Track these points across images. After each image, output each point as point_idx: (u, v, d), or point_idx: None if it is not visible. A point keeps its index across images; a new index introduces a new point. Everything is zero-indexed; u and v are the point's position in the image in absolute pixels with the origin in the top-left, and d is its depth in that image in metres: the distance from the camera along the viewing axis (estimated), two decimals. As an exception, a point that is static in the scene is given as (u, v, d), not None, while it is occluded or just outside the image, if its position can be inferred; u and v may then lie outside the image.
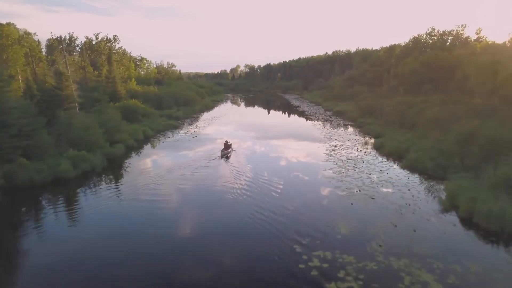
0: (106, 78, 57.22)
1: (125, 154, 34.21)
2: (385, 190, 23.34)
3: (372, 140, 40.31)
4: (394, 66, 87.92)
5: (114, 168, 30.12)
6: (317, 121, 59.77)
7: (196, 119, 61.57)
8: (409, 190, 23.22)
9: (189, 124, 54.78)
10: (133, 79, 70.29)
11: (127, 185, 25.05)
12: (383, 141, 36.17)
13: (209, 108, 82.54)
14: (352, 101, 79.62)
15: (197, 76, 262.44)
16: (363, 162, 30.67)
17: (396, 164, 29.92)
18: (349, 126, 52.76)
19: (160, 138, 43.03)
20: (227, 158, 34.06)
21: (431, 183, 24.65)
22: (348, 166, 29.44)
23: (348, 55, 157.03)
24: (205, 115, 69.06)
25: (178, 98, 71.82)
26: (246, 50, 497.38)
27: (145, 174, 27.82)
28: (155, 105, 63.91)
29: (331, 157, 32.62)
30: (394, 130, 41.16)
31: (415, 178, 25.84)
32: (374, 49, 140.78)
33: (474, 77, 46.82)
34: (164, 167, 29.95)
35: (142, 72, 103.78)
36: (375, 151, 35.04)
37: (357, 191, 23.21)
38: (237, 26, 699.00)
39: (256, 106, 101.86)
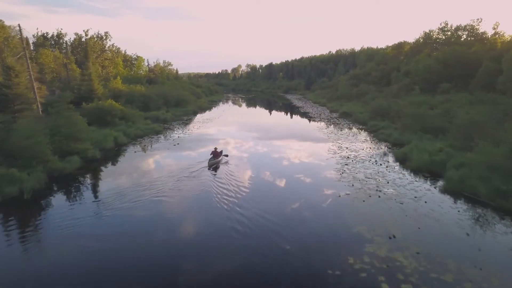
0: (82, 76, 49.39)
1: (80, 168, 26.29)
2: (432, 239, 14.99)
3: (392, 149, 32.42)
4: (404, 64, 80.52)
5: (54, 192, 22.14)
6: (322, 124, 51.80)
7: (186, 122, 53.79)
8: (468, 235, 15.22)
9: (176, 128, 47.02)
10: (118, 77, 62.47)
11: (51, 228, 16.96)
12: (407, 152, 28.28)
13: (204, 109, 74.69)
14: (359, 101, 72.15)
15: (198, 76, 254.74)
16: (388, 182, 22.75)
17: (433, 185, 22.02)
18: (359, 131, 44.80)
19: (137, 146, 35.25)
20: (216, 168, 27.33)
21: (493, 218, 16.73)
22: (369, 189, 21.51)
23: (352, 54, 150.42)
24: (198, 117, 61.28)
25: (169, 98, 64.02)
26: (248, 51, 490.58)
27: (90, 203, 19.87)
28: (142, 106, 56.42)
29: (344, 175, 24.73)
30: (417, 136, 33.30)
31: (467, 211, 17.89)
32: (379, 47, 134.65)
33: (507, 73, 38.94)
34: (124, 187, 22.21)
35: (140, 72, 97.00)
36: (398, 164, 27.21)
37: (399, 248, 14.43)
38: (239, 26, 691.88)
39: (254, 107, 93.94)
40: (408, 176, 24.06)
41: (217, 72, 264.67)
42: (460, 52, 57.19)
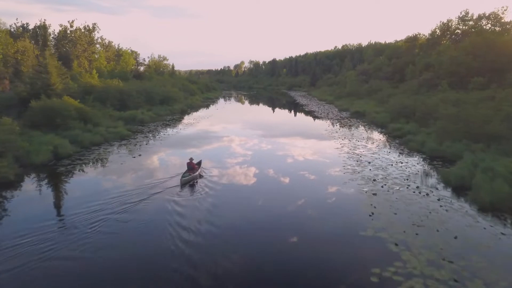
0: (38, 67, 39.80)
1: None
2: None
3: (434, 167, 22.79)
4: (421, 57, 70.67)
5: None
6: (331, 126, 42.03)
7: (167, 123, 44.29)
8: None
9: (151, 131, 37.56)
10: (94, 71, 52.92)
11: None
12: (465, 175, 18.55)
13: (195, 107, 65.09)
14: (370, 99, 62.52)
15: (199, 73, 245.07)
16: (455, 238, 13.04)
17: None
18: (379, 136, 35.08)
19: (84, 158, 25.79)
20: (193, 186, 20.05)
21: None
22: (431, 253, 11.76)
23: (359, 49, 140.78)
24: (185, 117, 51.63)
25: (153, 96, 54.35)
26: (252, 47, 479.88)
27: None
28: (118, 104, 46.92)
29: (379, 216, 14.98)
30: (463, 146, 23.80)
31: None
32: (387, 42, 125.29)
33: None
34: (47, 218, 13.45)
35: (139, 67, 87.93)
36: (453, 195, 17.64)
37: None
38: (243, 23, 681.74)
39: (253, 106, 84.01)
40: (480, 220, 14.51)
41: (219, 69, 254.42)
42: (491, 40, 47.36)
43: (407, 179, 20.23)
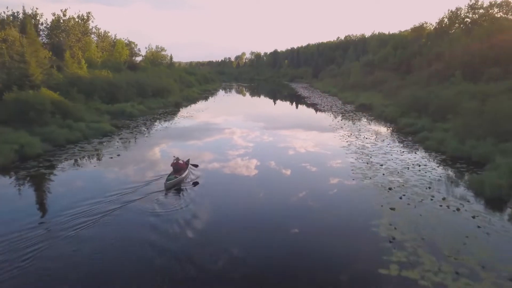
0: (15, 55, 36.24)
1: None
2: None
3: (460, 171, 19.31)
4: (428, 47, 66.77)
5: None
6: (336, 120, 38.50)
7: (158, 117, 40.85)
8: None
9: (138, 127, 34.07)
10: (83, 61, 49.33)
11: None
12: (504, 184, 15.04)
13: (191, 100, 61.44)
14: (376, 91, 58.87)
15: (200, 64, 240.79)
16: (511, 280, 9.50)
17: None
18: (389, 132, 31.58)
19: (56, 159, 22.36)
20: (180, 190, 17.07)
21: None
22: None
23: (362, 40, 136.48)
24: (179, 111, 48.03)
25: (145, 87, 50.81)
26: (253, 39, 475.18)
27: None
28: (107, 96, 43.52)
29: (403, 244, 11.58)
30: (489, 145, 20.34)
31: None
32: (391, 33, 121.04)
33: None
34: None
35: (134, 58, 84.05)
36: (495, 213, 14.24)
37: None
38: (244, 15, 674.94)
39: (253, 98, 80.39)
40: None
41: (220, 60, 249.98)
42: (508, 28, 43.67)
43: (430, 187, 16.76)
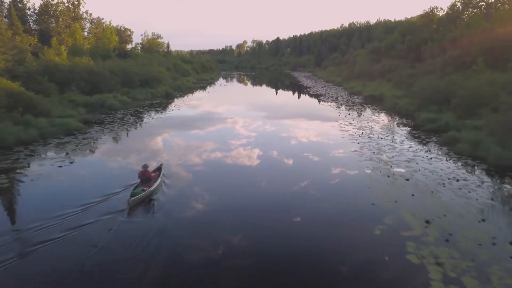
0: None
1: None
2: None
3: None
4: (440, 33, 61.19)
5: None
6: (343, 114, 33.34)
7: (140, 111, 35.58)
8: None
9: (112, 123, 28.98)
10: (63, 47, 44.09)
11: None
12: None
13: (183, 90, 56.15)
14: (384, 80, 53.69)
15: (200, 52, 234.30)
16: None
17: None
18: (409, 130, 26.37)
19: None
20: (151, 204, 13.52)
21: None
22: None
23: (367, 27, 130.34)
24: (167, 103, 42.86)
25: (132, 76, 45.66)
26: (255, 27, 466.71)
27: None
28: (88, 86, 38.54)
29: None
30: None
31: None
32: (397, 20, 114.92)
33: None
34: None
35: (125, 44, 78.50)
36: None
37: None
38: (248, 3, 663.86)
39: (251, 90, 74.97)
40: None
41: (221, 49, 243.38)
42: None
43: (483, 219, 11.74)
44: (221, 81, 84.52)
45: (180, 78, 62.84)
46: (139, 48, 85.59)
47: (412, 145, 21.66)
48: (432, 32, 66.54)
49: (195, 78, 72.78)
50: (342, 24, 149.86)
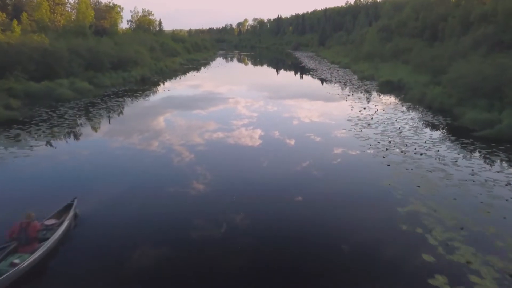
0: None
1: None
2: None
3: None
4: (462, 8, 52.28)
5: None
6: (356, 108, 25.16)
7: (96, 103, 27.37)
8: None
9: (46, 121, 21.20)
10: (15, 22, 35.79)
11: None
12: None
13: (166, 73, 47.66)
14: (398, 62, 45.48)
15: (200, 31, 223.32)
16: None
17: None
18: (459, 141, 18.10)
19: None
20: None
21: None
22: None
23: (374, 4, 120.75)
24: (138, 92, 34.65)
25: (101, 57, 37.34)
26: (257, 5, 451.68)
27: None
28: (41, 70, 30.59)
29: None
30: None
31: None
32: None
33: None
34: None
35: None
36: None
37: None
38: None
39: (250, 70, 66.19)
40: None
41: (221, 27, 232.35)
42: None
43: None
44: (217, 61, 75.73)
45: (165, 59, 54.22)
46: (128, 26, 76.65)
47: (474, 169, 13.63)
48: (451, 8, 57.58)
49: (184, 58, 64.14)
50: (347, 1, 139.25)
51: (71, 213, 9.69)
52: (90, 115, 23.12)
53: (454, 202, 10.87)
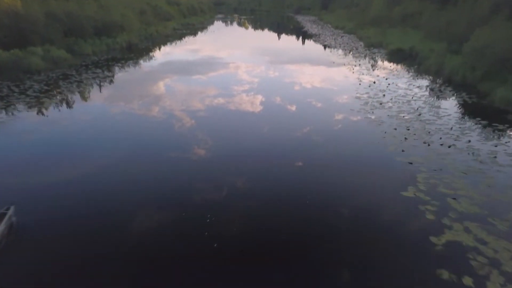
0: None
1: None
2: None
3: None
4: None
5: None
6: (366, 82, 21.88)
7: (70, 75, 23.87)
8: None
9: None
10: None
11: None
12: None
13: (156, 39, 43.73)
14: (408, 27, 41.65)
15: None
16: None
17: None
18: (490, 125, 14.93)
19: None
20: None
21: None
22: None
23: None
24: (125, 60, 31.15)
25: (82, 22, 33.53)
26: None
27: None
28: (11, 36, 27.28)
29: None
30: None
31: None
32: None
33: None
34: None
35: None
36: None
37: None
38: None
39: (250, 34, 61.86)
40: None
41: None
42: None
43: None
44: (215, 25, 71.09)
45: (156, 23, 50.02)
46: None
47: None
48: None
49: (178, 23, 59.72)
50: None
51: (8, 220, 7.68)
52: (57, 90, 19.86)
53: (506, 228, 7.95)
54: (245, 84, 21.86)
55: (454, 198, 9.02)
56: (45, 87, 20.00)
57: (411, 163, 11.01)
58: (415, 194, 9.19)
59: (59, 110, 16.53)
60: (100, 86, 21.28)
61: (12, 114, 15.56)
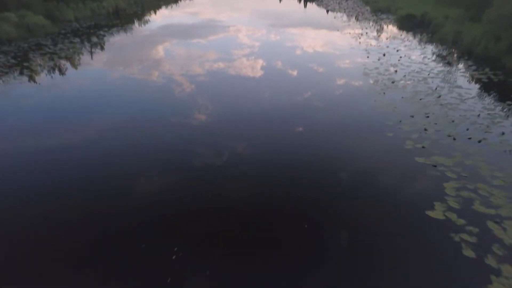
0: None
1: None
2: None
3: None
4: None
5: None
6: (376, 57, 19.34)
7: (41, 47, 21.28)
8: None
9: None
10: None
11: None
12: None
13: (149, 4, 40.45)
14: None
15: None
16: None
17: None
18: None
19: None
20: None
21: None
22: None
23: None
24: (108, 30, 28.37)
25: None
26: None
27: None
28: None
29: None
30: None
31: None
32: None
33: None
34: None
35: None
36: None
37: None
38: None
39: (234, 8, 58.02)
40: None
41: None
42: None
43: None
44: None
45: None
46: None
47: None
48: None
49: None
50: None
51: None
52: (24, 64, 17.39)
53: None
54: (245, 48, 21.41)
55: (497, 222, 6.87)
56: (12, 60, 17.52)
57: (435, 166, 8.80)
58: (445, 216, 7.02)
59: (51, 77, 14.36)
60: (91, 52, 19.10)
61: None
